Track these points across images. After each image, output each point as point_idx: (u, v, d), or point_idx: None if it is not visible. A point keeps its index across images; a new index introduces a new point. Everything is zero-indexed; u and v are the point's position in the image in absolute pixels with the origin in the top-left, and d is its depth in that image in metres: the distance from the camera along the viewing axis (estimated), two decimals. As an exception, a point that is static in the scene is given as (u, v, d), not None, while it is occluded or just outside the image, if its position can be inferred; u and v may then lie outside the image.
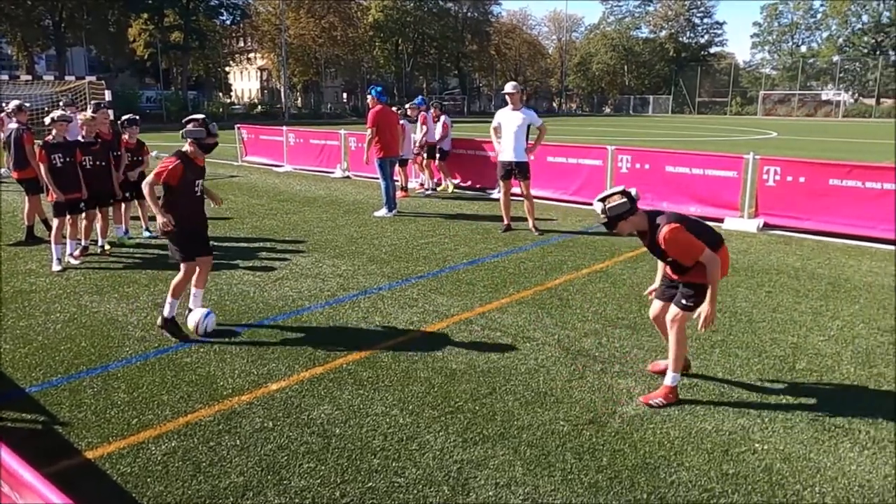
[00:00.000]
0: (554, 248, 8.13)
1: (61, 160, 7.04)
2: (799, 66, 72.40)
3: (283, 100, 57.10)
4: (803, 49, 77.77)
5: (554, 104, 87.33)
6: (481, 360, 4.64)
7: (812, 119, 61.55)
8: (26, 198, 8.35)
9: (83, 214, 7.40)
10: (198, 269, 5.16)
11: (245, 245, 8.27)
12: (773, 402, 4.02)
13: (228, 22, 58.62)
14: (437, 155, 12.52)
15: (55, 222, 7.12)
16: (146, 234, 8.64)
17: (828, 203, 8.69)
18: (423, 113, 12.32)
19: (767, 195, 9.19)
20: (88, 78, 24.05)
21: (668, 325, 3.97)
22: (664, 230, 3.74)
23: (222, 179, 14.29)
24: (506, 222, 9.10)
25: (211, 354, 4.74)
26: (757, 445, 3.54)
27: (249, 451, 3.48)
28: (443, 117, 12.36)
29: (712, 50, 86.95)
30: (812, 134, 35.37)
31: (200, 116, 5.03)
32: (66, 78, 24.77)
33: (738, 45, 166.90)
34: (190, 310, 5.16)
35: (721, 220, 9.28)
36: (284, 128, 17.05)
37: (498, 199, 9.58)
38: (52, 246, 7.05)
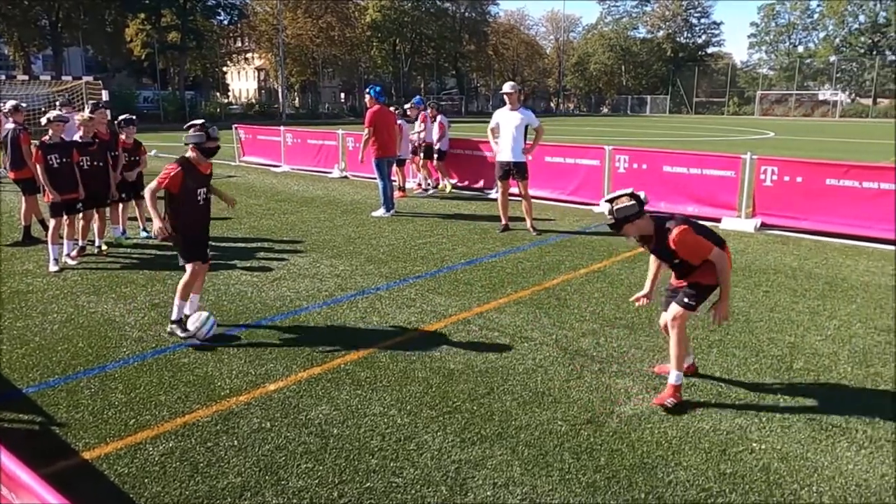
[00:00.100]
0: (552, 248, 8.14)
1: (58, 160, 7.01)
2: (796, 67, 72.61)
3: (280, 100, 57.09)
4: (800, 49, 78.11)
5: (551, 104, 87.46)
6: (479, 360, 4.64)
7: (809, 119, 61.72)
8: (23, 198, 8.34)
9: (80, 215, 7.38)
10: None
11: (242, 245, 8.26)
12: (770, 402, 4.03)
13: (226, 22, 58.70)
14: (435, 155, 12.55)
15: (52, 223, 7.10)
16: (143, 234, 8.62)
17: (825, 203, 8.71)
18: (422, 112, 12.34)
19: (765, 195, 9.20)
20: (85, 78, 24.07)
21: (669, 324, 3.97)
22: (674, 233, 3.77)
23: (220, 179, 14.26)
24: (503, 222, 9.10)
25: (208, 355, 4.73)
26: (754, 445, 3.54)
27: (247, 451, 3.47)
28: (439, 117, 12.39)
29: (709, 50, 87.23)
30: (809, 134, 35.46)
31: (200, 121, 5.01)
32: (63, 78, 24.79)
33: (736, 45, 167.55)
34: (187, 315, 5.13)
35: (718, 220, 9.28)
36: (282, 128, 17.03)
37: (496, 199, 9.58)
38: (49, 246, 7.03)
